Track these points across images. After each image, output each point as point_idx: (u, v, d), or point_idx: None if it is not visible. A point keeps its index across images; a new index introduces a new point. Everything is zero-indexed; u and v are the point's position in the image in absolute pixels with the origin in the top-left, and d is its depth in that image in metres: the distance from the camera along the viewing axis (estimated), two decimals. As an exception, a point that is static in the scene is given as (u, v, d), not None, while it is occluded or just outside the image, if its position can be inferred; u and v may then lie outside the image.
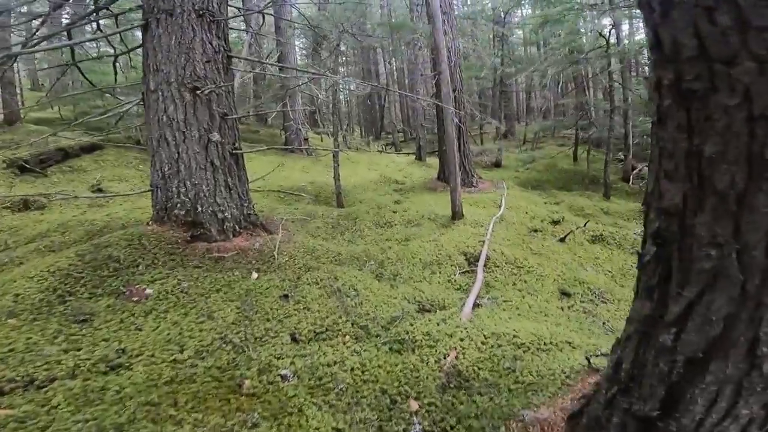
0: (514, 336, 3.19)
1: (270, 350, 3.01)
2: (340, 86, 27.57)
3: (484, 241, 5.16)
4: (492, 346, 3.11)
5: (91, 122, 10.69)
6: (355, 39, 7.89)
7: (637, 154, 10.76)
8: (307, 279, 3.77)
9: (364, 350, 3.21)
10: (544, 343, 3.10)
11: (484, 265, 4.62)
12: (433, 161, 13.74)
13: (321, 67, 12.15)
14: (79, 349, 2.65)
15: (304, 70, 8.05)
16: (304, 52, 23.65)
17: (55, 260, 3.48)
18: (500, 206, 6.90)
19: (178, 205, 3.75)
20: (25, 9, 8.68)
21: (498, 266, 4.70)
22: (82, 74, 4.95)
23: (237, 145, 4.09)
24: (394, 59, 24.75)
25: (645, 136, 11.70)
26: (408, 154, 16.66)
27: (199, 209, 3.78)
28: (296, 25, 11.42)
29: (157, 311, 3.09)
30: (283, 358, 2.97)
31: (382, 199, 7.63)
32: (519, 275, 4.56)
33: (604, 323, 3.69)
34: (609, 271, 4.96)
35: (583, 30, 10.73)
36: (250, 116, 18.41)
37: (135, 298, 3.19)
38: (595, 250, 5.49)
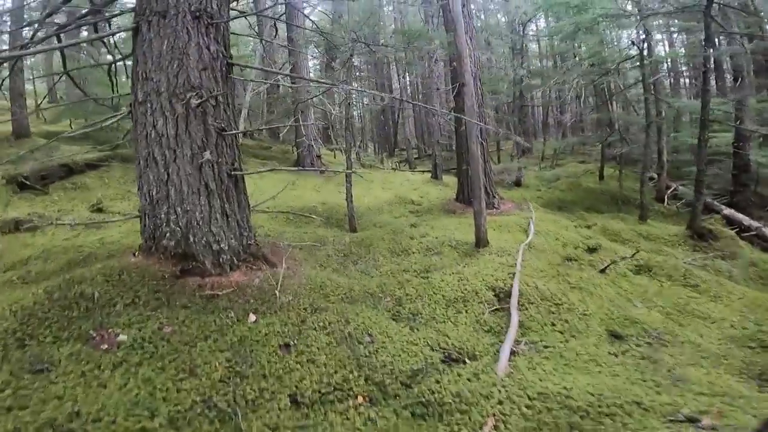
0: (567, 396, 2.59)
1: (264, 418, 2.45)
2: (354, 100, 27.36)
3: (514, 273, 4.56)
4: (540, 411, 2.53)
5: (100, 136, 10.42)
6: (369, 49, 7.43)
7: (670, 172, 10.07)
8: (314, 323, 3.21)
9: (381, 417, 2.63)
10: (607, 405, 2.50)
11: (517, 302, 4.01)
12: (450, 180, 13.20)
13: (334, 80, 11.83)
14: (24, 408, 2.14)
15: (317, 81, 7.64)
16: (317, 66, 23.54)
17: (20, 296, 2.99)
18: (528, 231, 6.29)
19: (167, 234, 3.25)
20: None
21: (533, 303, 4.09)
22: (74, 83, 4.55)
23: (237, 164, 3.60)
24: (407, 74, 24.51)
25: (675, 153, 11.03)
26: (423, 172, 16.16)
27: (191, 239, 3.27)
28: (309, 37, 11.12)
29: (128, 363, 2.56)
30: (279, 430, 2.41)
31: (398, 223, 7.09)
32: (558, 314, 3.94)
33: (669, 371, 3.04)
34: (662, 308, 4.30)
35: (610, 40, 10.22)
36: (262, 132, 18.19)
37: (104, 346, 2.67)
38: (641, 282, 4.83)
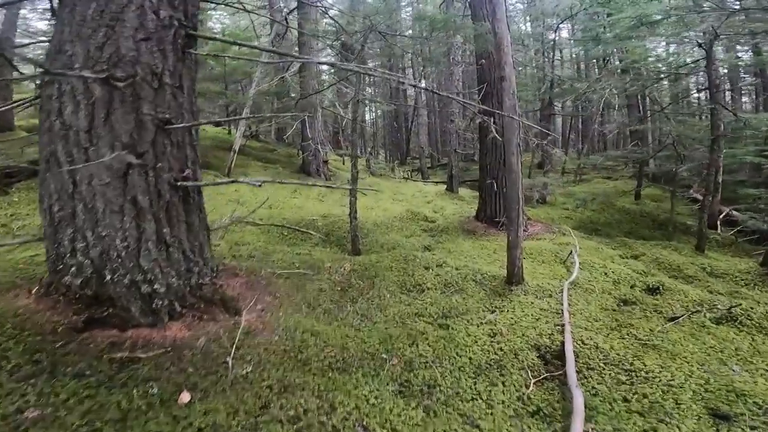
0: None
1: None
2: (366, 102, 26.41)
3: (563, 325, 3.45)
4: None
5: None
6: (384, 39, 6.44)
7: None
8: (280, 410, 2.13)
9: None
10: None
11: (575, 371, 2.90)
12: (466, 193, 12.08)
13: (346, 81, 10.83)
14: None
15: (326, 62, 6.59)
16: (330, 70, 22.68)
17: None
18: (568, 263, 5.15)
19: (72, 269, 2.21)
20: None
21: (593, 368, 2.99)
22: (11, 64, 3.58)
23: (189, 172, 2.55)
24: (423, 79, 23.52)
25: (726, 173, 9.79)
26: (436, 182, 15.07)
27: (108, 277, 2.22)
28: (320, 33, 10.16)
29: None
30: None
31: (409, 244, 6.00)
32: (632, 385, 2.82)
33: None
34: (766, 371, 3.15)
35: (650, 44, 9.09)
36: (270, 133, 17.28)
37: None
38: (728, 335, 3.66)
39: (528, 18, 18.88)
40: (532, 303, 3.86)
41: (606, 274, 4.83)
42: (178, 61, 2.52)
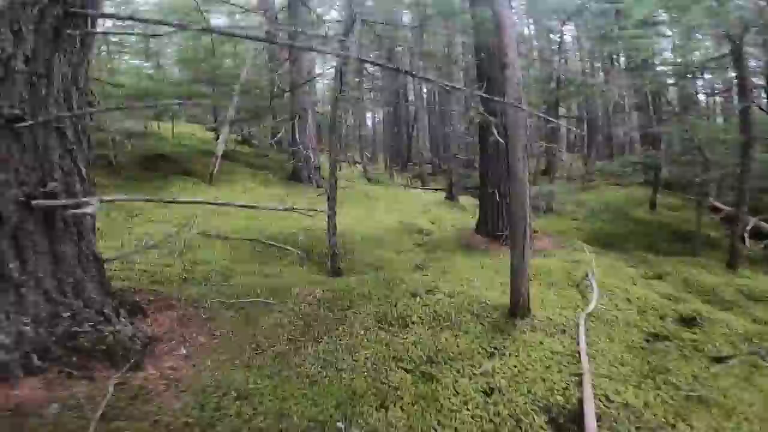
0: None
1: None
2: (349, 99, 25.71)
3: (581, 375, 2.71)
4: None
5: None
6: (372, 30, 5.79)
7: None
8: None
9: None
10: None
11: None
12: (467, 202, 11.33)
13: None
14: None
15: (305, 48, 6.07)
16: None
17: None
18: (587, 287, 4.39)
19: None
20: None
21: (622, 438, 2.25)
22: None
23: (54, 186, 1.82)
24: (425, 88, 22.83)
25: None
26: (436, 190, 14.33)
27: None
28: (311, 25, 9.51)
29: None
30: None
31: (399, 262, 5.27)
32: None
33: None
34: None
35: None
36: (266, 137, 16.61)
37: None
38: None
39: (530, 21, 18.24)
40: (540, 343, 3.11)
41: (629, 300, 4.06)
42: (47, 44, 1.81)
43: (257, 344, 2.85)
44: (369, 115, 29.11)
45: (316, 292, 3.79)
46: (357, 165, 18.13)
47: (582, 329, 3.30)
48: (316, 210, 3.56)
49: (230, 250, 5.21)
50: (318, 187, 11.02)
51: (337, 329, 3.19)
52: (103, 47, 14.72)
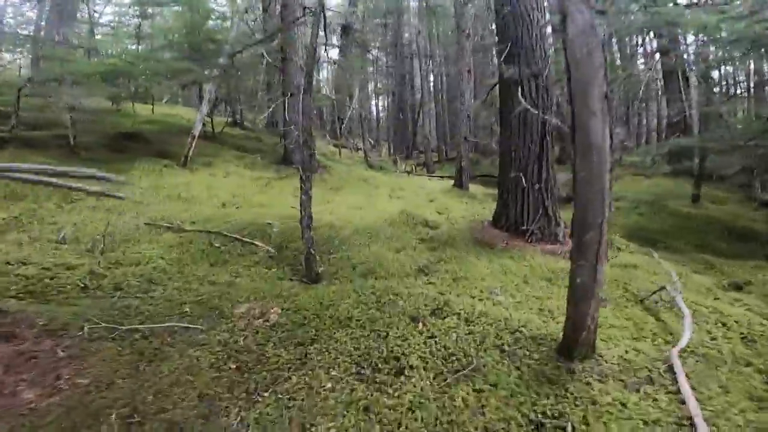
0: None
1: None
2: (368, 90, 24.31)
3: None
4: None
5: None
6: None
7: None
8: None
9: None
10: None
11: None
12: (478, 190, 10.08)
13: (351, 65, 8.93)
14: None
15: None
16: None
17: None
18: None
19: None
20: None
21: None
22: None
23: None
24: (432, 76, 21.42)
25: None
26: (443, 177, 13.08)
27: None
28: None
29: None
30: None
31: (397, 264, 4.07)
32: None
33: None
34: None
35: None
36: (259, 119, 15.38)
37: None
38: None
39: None
40: (622, 405, 1.92)
41: (724, 324, 2.85)
42: None
43: (134, 409, 1.67)
44: (374, 102, 27.77)
45: (272, 311, 2.62)
46: (359, 151, 16.89)
47: (682, 376, 2.11)
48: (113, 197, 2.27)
49: (179, 246, 4.04)
50: (313, 172, 9.82)
51: (289, 379, 2.02)
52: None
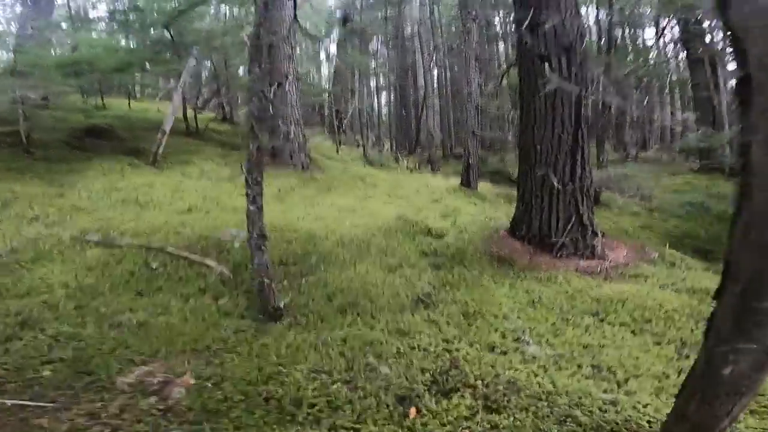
0: None
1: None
2: (371, 85, 23.19)
3: None
4: None
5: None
6: None
7: None
8: None
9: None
10: None
11: None
12: (487, 189, 9.05)
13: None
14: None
15: None
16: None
17: None
18: None
19: None
20: None
21: None
22: None
23: None
24: (435, 69, 20.32)
25: None
26: (448, 175, 12.05)
27: None
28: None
29: None
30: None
31: (388, 292, 3.08)
32: None
33: None
34: None
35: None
36: (240, 113, 14.36)
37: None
38: None
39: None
40: None
41: None
42: None
43: None
44: (376, 97, 26.74)
45: (179, 383, 1.64)
46: (360, 147, 15.87)
47: None
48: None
49: (103, 267, 3.07)
50: (304, 169, 8.86)
51: None
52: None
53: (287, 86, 8.69)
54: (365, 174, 9.98)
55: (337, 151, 13.94)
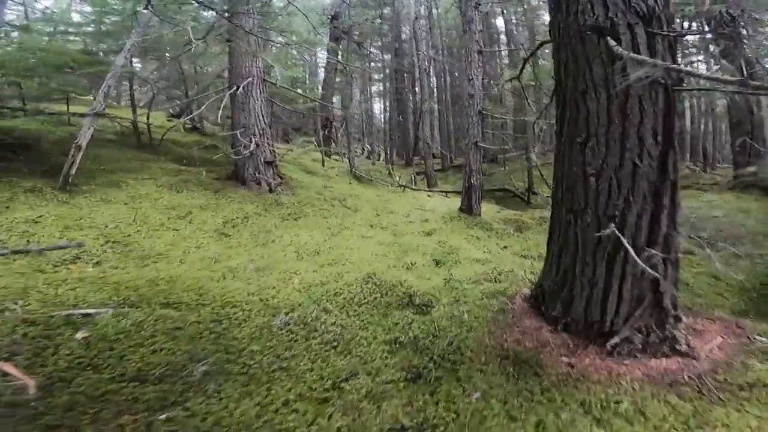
0: None
1: None
2: (367, 91, 21.55)
3: None
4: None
5: None
6: None
7: None
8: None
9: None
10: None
11: None
12: (491, 212, 7.50)
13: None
14: None
15: None
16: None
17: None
18: None
19: None
20: None
21: None
22: None
23: None
24: (434, 75, 18.88)
25: None
26: (447, 193, 10.52)
27: None
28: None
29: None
30: None
31: None
32: None
33: None
34: None
35: None
36: (204, 120, 12.89)
37: None
38: None
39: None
40: None
41: None
42: None
43: None
44: (372, 104, 25.30)
45: None
46: (345, 158, 14.36)
47: None
48: None
49: None
50: (270, 191, 7.33)
51: None
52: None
53: (250, 89, 7.17)
54: (348, 194, 8.45)
55: (323, 164, 12.41)
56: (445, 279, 3.66)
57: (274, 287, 3.39)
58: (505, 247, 5.06)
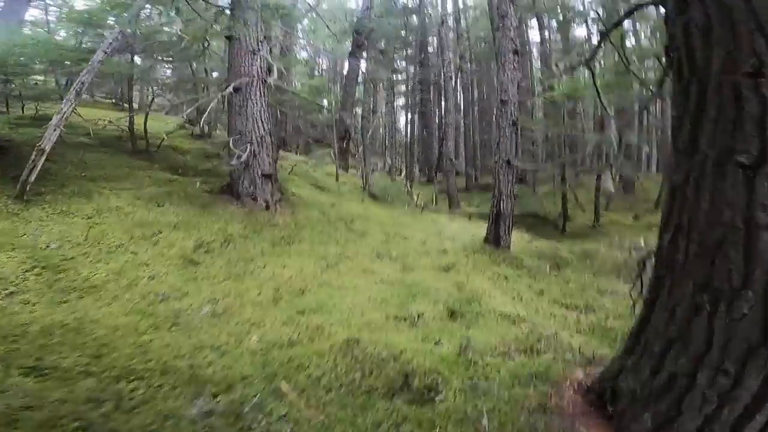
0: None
1: None
2: (392, 104, 20.80)
3: None
4: None
5: None
6: None
7: None
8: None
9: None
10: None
11: None
12: (522, 244, 6.38)
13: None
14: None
15: None
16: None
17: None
18: None
19: None
20: None
21: None
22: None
23: None
24: (461, 88, 17.93)
25: None
26: (470, 216, 9.44)
27: None
28: None
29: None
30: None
31: None
32: None
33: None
34: None
35: None
36: (204, 125, 12.17)
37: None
38: None
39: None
40: None
41: None
42: None
43: None
44: (394, 116, 24.57)
45: None
46: (374, 172, 13.46)
47: None
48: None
49: None
50: (267, 208, 6.44)
51: None
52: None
53: (249, 91, 6.36)
54: (358, 214, 7.50)
55: (336, 179, 11.51)
56: (460, 345, 2.61)
57: (219, 347, 2.44)
58: (541, 292, 3.97)
